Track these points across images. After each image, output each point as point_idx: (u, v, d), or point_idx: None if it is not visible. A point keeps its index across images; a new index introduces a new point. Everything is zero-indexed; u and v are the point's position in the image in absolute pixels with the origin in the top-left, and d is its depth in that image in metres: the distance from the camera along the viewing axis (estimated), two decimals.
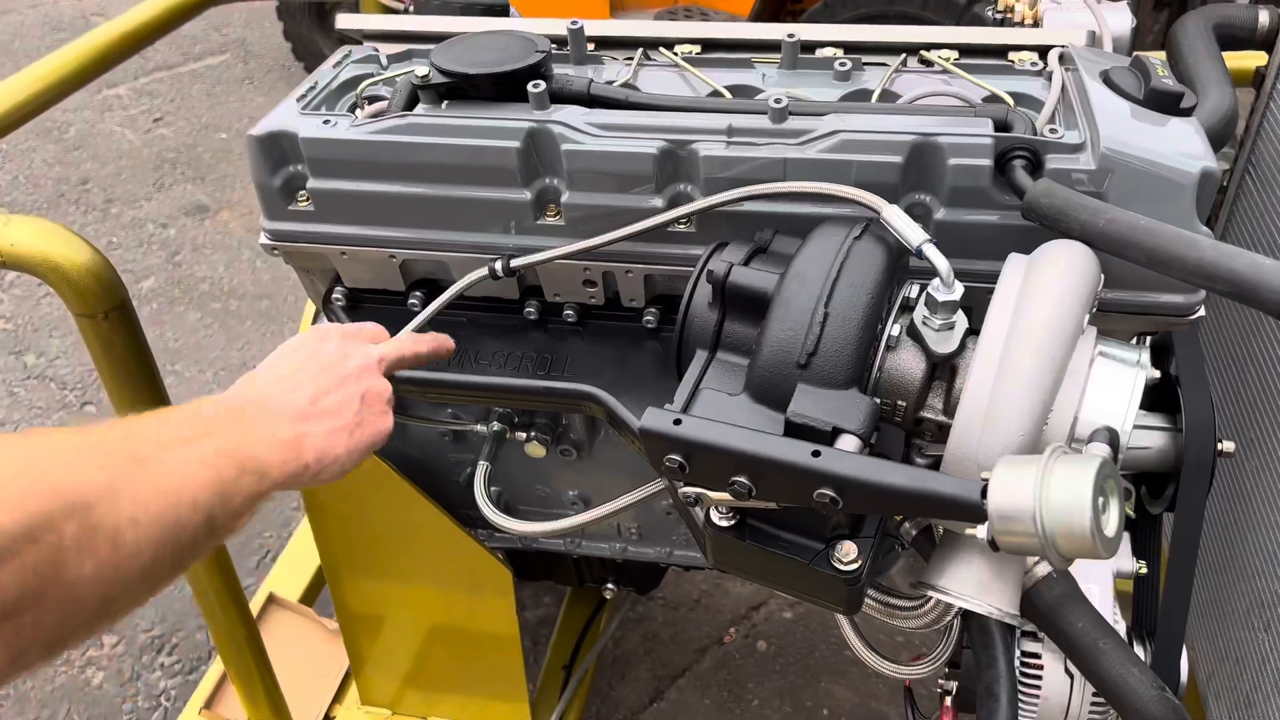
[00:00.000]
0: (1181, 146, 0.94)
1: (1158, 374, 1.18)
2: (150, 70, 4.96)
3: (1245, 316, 1.51)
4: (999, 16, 1.37)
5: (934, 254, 0.84)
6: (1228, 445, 1.14)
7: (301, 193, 1.10)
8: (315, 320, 1.40)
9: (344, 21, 1.28)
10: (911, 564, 1.27)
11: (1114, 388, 0.84)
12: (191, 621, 2.36)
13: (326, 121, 1.07)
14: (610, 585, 1.70)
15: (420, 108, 1.06)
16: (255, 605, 1.90)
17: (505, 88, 1.05)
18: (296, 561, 2.00)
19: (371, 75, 1.18)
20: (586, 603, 1.97)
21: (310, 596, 1.98)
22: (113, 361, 1.15)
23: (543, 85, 1.03)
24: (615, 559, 1.55)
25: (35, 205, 3.95)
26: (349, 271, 1.17)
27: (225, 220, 3.87)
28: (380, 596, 1.56)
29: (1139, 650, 1.21)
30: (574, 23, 1.16)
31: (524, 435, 1.31)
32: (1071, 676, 1.19)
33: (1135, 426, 1.15)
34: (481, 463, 1.29)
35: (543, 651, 2.02)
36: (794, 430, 0.82)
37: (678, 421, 0.82)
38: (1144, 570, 1.20)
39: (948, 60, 1.13)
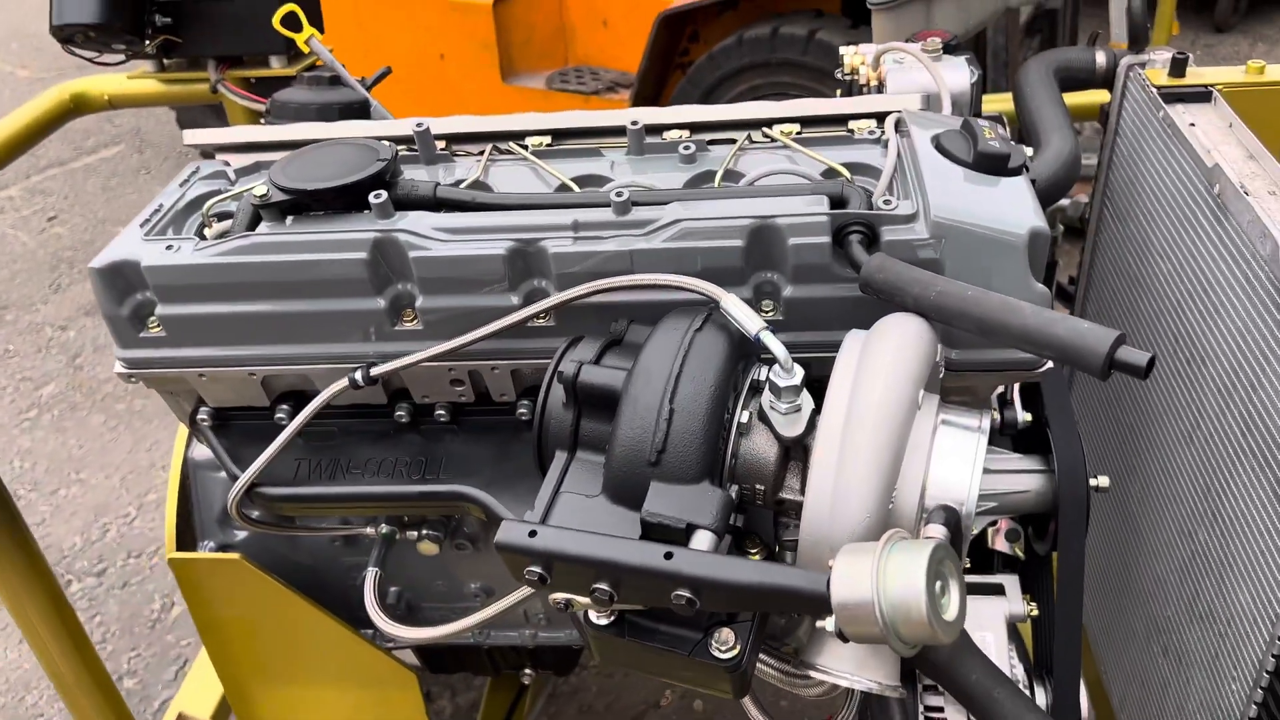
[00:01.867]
0: (1011, 208, 0.97)
1: (1029, 417, 1.22)
2: (43, 168, 4.86)
3: None
4: (847, 78, 1.41)
5: (771, 341, 0.85)
6: (1102, 481, 1.17)
7: (152, 319, 1.08)
8: (189, 442, 1.37)
9: (191, 137, 1.27)
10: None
11: (957, 456, 0.85)
12: None
13: (169, 247, 1.05)
14: (527, 671, 1.68)
15: (263, 226, 1.05)
16: None
17: (349, 199, 1.05)
18: (204, 677, 1.93)
19: (220, 192, 1.16)
20: (508, 688, 1.94)
21: (223, 713, 1.92)
22: None
23: (384, 195, 1.02)
24: (527, 646, 1.53)
25: None
26: (211, 392, 1.15)
27: None
28: (285, 708, 1.51)
29: (1040, 691, 1.22)
30: (419, 124, 1.16)
31: (415, 534, 1.29)
32: None
33: (1013, 471, 1.17)
34: (370, 569, 1.27)
35: None
36: (650, 530, 0.81)
37: (533, 534, 0.81)
38: (1035, 612, 1.22)
39: (789, 135, 1.15)
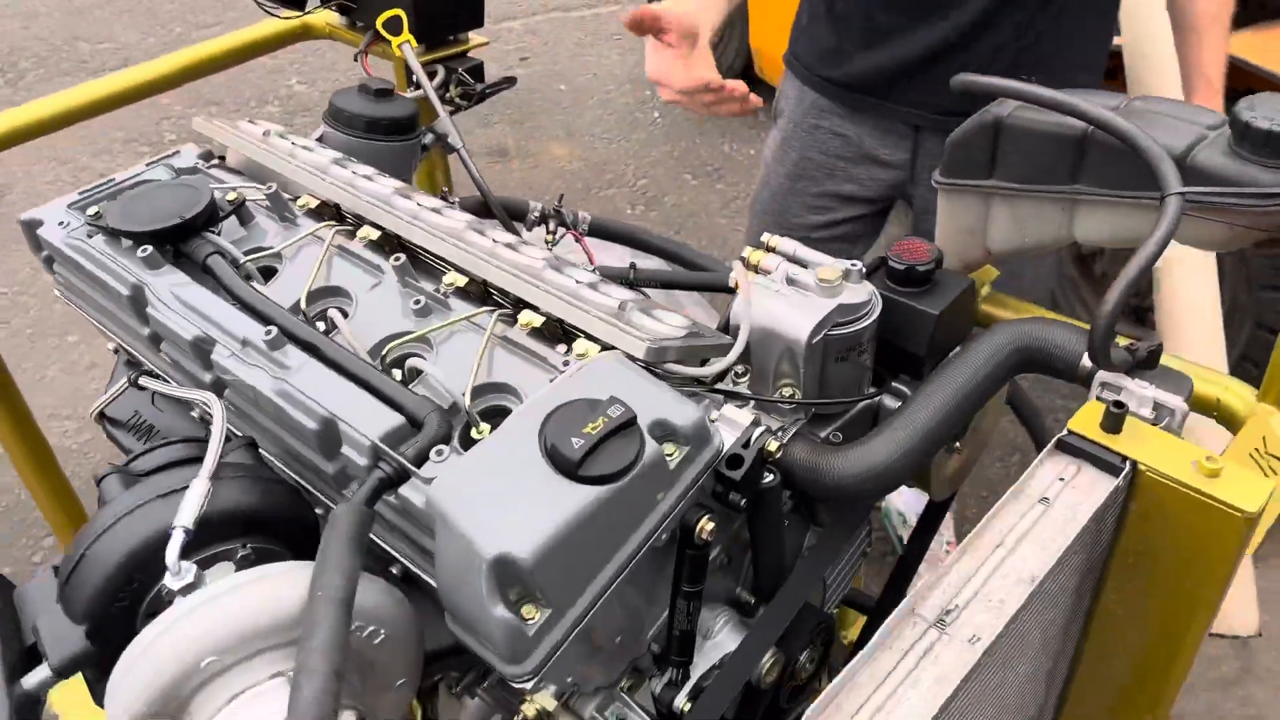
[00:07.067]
0: (516, 520, 0.86)
1: None
2: (550, 9, 5.48)
3: None
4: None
5: (170, 546, 0.90)
6: None
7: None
8: None
9: (199, 125, 1.48)
10: None
11: None
12: None
13: (61, 223, 1.31)
14: None
15: (97, 238, 1.26)
16: None
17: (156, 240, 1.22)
18: None
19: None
20: None
21: None
22: None
23: (150, 249, 1.18)
24: None
25: None
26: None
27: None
28: None
29: None
30: (270, 187, 1.28)
31: None
32: None
33: None
34: None
35: None
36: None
37: None
38: None
39: (527, 326, 1.09)
